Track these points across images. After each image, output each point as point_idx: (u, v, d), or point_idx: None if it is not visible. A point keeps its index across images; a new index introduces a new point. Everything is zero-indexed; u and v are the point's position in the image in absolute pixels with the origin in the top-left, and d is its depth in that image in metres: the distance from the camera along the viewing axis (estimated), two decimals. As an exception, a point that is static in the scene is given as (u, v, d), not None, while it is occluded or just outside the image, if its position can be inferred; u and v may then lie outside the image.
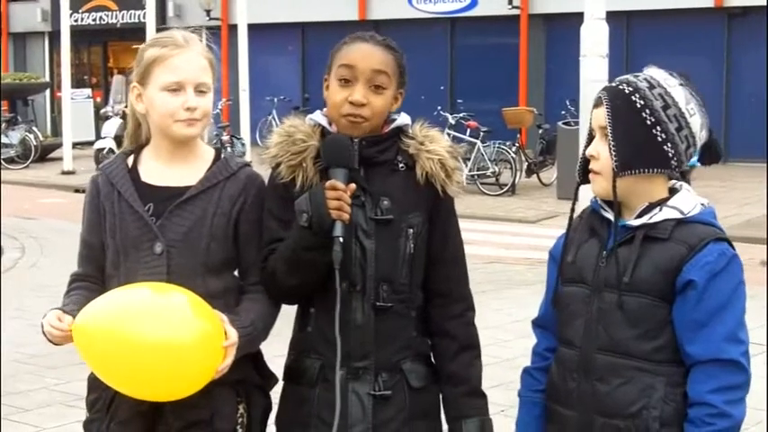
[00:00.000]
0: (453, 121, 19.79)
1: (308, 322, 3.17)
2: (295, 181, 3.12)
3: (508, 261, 11.72)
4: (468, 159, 18.40)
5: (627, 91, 2.90)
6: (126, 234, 3.10)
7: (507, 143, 19.04)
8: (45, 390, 7.20)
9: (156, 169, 3.17)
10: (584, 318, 2.95)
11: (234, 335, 3.00)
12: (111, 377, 2.98)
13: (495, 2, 26.02)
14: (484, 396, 3.23)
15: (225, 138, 20.66)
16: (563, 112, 20.65)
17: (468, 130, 19.51)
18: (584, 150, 2.99)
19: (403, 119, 3.21)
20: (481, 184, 18.64)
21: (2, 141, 25.09)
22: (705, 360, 2.83)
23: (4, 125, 25.65)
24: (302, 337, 3.20)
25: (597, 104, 2.94)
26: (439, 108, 20.76)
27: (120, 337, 2.87)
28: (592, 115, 2.96)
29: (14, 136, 25.35)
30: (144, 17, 22.96)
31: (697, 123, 2.92)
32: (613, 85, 2.95)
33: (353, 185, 3.02)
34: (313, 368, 3.15)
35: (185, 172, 3.17)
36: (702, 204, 2.96)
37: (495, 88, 25.63)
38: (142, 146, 3.24)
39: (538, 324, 3.19)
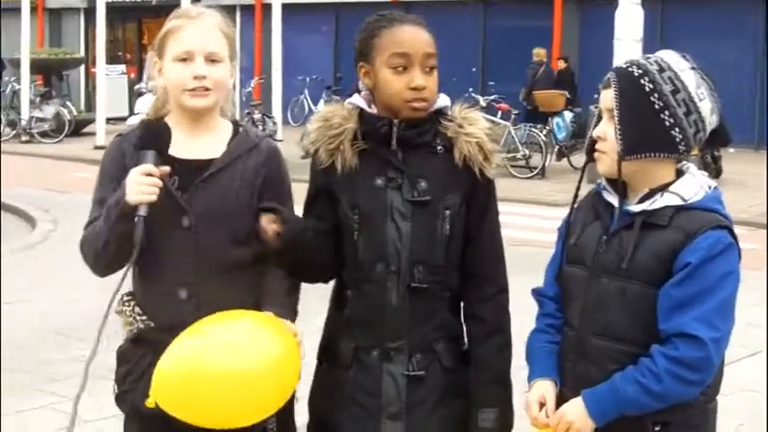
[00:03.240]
0: (484, 104, 19.68)
1: (344, 305, 3.18)
2: (335, 165, 3.14)
3: (537, 244, 11.72)
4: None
5: (636, 74, 2.86)
6: (151, 205, 3.01)
7: (538, 126, 18.98)
8: (73, 361, 7.24)
9: (178, 141, 3.13)
10: (582, 300, 2.95)
11: (298, 331, 3.08)
12: (206, 419, 2.95)
13: (530, -16, 25.91)
14: (507, 385, 3.18)
15: (256, 116, 20.69)
16: (595, 96, 20.51)
17: (500, 113, 19.47)
18: (592, 130, 2.97)
19: (442, 101, 3.18)
20: (511, 166, 18.60)
21: (36, 115, 25.31)
22: (672, 334, 2.79)
23: (38, 99, 25.84)
24: (337, 319, 3.22)
25: (606, 86, 2.91)
26: (470, 90, 20.73)
27: (204, 379, 2.87)
28: (601, 96, 2.93)
29: (49, 110, 25.53)
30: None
31: (707, 108, 2.87)
32: (623, 66, 2.91)
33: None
34: (348, 350, 3.17)
35: (206, 144, 3.18)
36: (710, 188, 2.91)
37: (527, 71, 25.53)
38: (161, 118, 3.22)
39: (539, 293, 3.16)
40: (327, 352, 3.25)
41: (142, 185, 2.96)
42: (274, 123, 21.64)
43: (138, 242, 2.94)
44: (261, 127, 19.09)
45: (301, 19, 28.16)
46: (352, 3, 27.27)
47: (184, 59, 3.10)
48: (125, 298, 3.23)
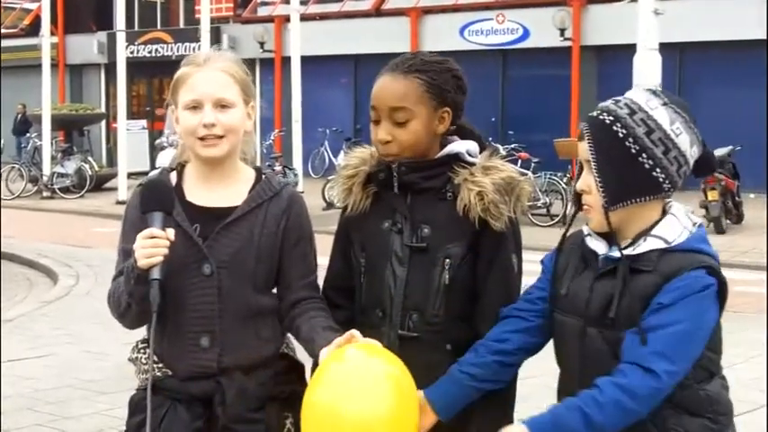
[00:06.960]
0: (504, 153, 19.69)
1: None
2: (348, 206, 3.16)
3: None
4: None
5: (608, 121, 2.79)
6: (172, 253, 2.98)
7: (558, 174, 19.01)
8: (97, 415, 7.26)
9: (199, 189, 3.15)
10: (578, 355, 2.86)
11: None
12: None
13: (548, 34, 26.02)
14: None
15: (277, 168, 20.78)
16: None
17: (520, 162, 19.48)
18: (575, 183, 2.91)
19: (453, 147, 3.10)
20: (532, 215, 18.58)
21: (58, 171, 25.47)
22: (628, 362, 2.71)
23: (59, 155, 26.01)
24: None
25: (581, 138, 2.84)
26: (490, 139, 20.65)
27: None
28: (579, 148, 2.86)
29: (70, 166, 25.67)
30: (199, 49, 23.22)
31: (686, 141, 2.80)
32: (594, 114, 2.84)
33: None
34: None
35: (228, 192, 3.16)
36: (695, 225, 2.84)
37: (546, 119, 25.59)
38: (183, 164, 3.23)
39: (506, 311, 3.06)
40: None
41: (146, 249, 2.94)
42: (295, 175, 21.71)
43: (155, 305, 2.93)
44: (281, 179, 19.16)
45: (320, 71, 28.32)
46: (370, 54, 27.44)
47: (194, 108, 3.08)
48: (140, 345, 3.23)
